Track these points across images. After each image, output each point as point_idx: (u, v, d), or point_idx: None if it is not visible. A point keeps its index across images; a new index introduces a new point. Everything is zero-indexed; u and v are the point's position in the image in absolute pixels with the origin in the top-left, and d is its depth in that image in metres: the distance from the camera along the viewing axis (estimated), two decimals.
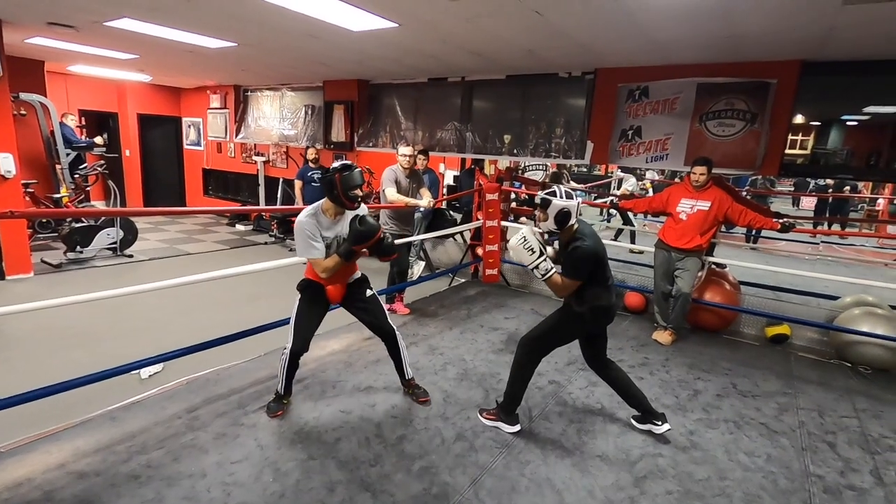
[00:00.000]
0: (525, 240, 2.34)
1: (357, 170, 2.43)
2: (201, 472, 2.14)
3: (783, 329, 4.09)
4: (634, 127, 4.82)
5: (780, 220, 3.70)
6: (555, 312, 2.60)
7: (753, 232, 7.83)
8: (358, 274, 2.76)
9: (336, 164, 2.45)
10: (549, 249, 2.53)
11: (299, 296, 2.61)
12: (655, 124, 4.69)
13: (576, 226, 2.40)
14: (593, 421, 2.77)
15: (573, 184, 8.61)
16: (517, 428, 2.59)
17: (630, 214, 7.36)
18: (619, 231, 8.35)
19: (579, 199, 2.40)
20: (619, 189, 10.19)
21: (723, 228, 5.09)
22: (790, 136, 4.28)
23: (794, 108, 4.17)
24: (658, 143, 4.71)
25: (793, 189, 13.83)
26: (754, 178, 9.82)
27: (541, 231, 2.47)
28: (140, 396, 2.76)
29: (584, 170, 14.23)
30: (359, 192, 2.45)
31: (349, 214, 2.54)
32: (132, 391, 2.82)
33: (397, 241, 4.20)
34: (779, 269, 4.26)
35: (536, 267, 2.35)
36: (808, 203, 13.05)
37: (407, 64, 5.44)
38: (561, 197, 2.35)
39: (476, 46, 4.37)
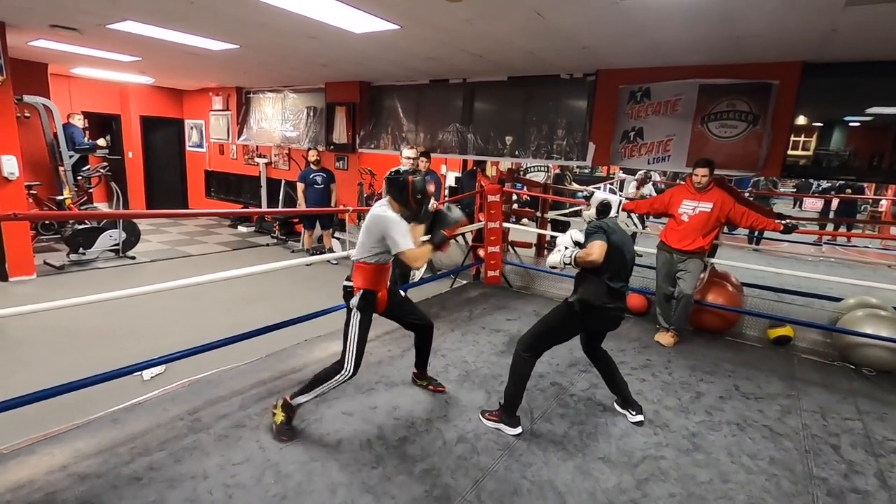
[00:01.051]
0: (557, 249, 2.63)
1: (423, 175, 2.51)
2: (203, 473, 2.14)
3: (786, 331, 4.07)
4: (636, 128, 4.82)
5: (783, 222, 3.69)
6: (552, 310, 2.68)
7: (756, 233, 7.81)
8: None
9: (403, 168, 2.52)
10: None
11: (358, 315, 2.46)
12: (657, 125, 4.69)
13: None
14: (595, 423, 2.76)
15: (575, 185, 8.60)
16: (519, 430, 2.59)
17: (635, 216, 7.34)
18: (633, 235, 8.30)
19: (621, 198, 2.74)
20: (621, 191, 10.18)
21: (725, 230, 5.07)
22: (792, 138, 4.28)
23: (797, 109, 4.16)
24: (660, 145, 4.71)
25: (794, 191, 13.78)
26: (756, 179, 9.79)
27: (584, 220, 2.75)
28: (142, 398, 2.77)
29: (587, 171, 14.21)
30: (422, 198, 2.49)
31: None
32: (134, 393, 2.82)
33: None
34: (781, 270, 4.25)
35: (565, 257, 2.54)
36: (811, 204, 13.01)
37: (408, 65, 5.44)
38: (603, 192, 2.72)
39: (477, 48, 4.37)
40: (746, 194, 7.42)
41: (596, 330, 2.75)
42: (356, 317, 2.46)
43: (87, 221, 5.97)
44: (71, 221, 5.96)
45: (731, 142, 4.36)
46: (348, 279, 2.51)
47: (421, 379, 3.04)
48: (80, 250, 5.85)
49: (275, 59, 5.55)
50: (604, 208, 2.63)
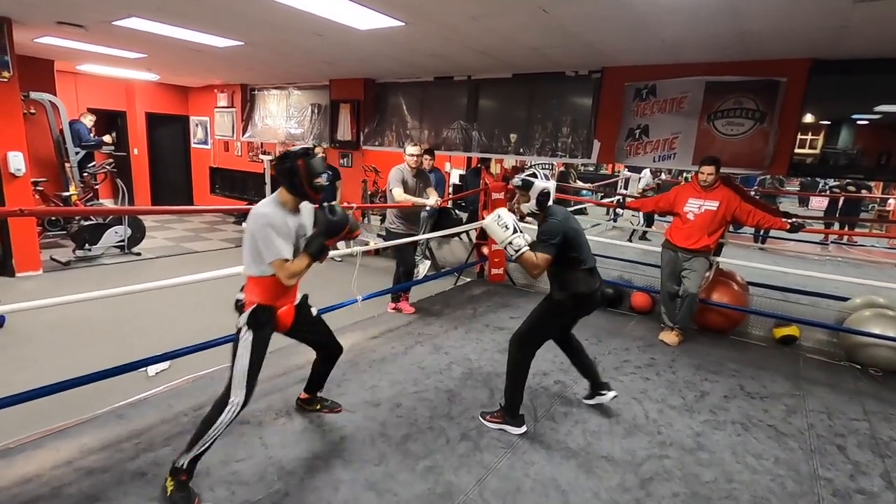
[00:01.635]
0: (500, 217, 2.41)
1: (319, 155, 2.10)
2: (206, 470, 2.14)
3: (792, 330, 4.05)
4: (642, 126, 4.79)
5: (790, 220, 3.66)
6: (539, 304, 2.64)
7: (762, 232, 7.77)
8: (300, 294, 2.34)
9: (294, 148, 2.08)
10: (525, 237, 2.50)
11: (249, 333, 2.03)
12: (663, 123, 4.66)
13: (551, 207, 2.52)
14: (599, 422, 2.75)
15: (580, 183, 8.58)
16: (524, 429, 2.58)
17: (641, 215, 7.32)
18: (644, 233, 8.28)
19: (554, 183, 2.53)
20: (626, 189, 10.15)
21: (730, 228, 5.05)
22: (799, 136, 4.24)
23: (804, 106, 4.12)
24: (665, 143, 4.68)
25: (798, 189, 13.68)
26: (762, 177, 9.73)
27: (522, 213, 2.56)
28: (147, 394, 2.78)
29: (591, 169, 14.17)
30: (322, 181, 2.05)
31: (305, 207, 2.17)
32: (139, 388, 2.84)
33: (404, 240, 4.22)
34: (787, 269, 4.22)
35: (510, 243, 2.37)
36: (818, 203, 12.89)
37: (413, 63, 5.43)
38: (542, 178, 2.48)
39: (482, 45, 4.35)
40: (752, 193, 7.39)
41: (582, 316, 2.70)
42: (246, 337, 2.03)
43: (92, 218, 6.00)
44: (77, 218, 5.99)
45: (737, 140, 4.33)
46: (242, 290, 2.13)
47: (310, 404, 2.65)
48: (86, 246, 5.88)
49: (279, 56, 5.55)
50: (544, 198, 2.47)
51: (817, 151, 4.38)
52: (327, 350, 2.50)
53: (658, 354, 3.74)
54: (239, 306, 2.09)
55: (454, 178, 8.93)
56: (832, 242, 8.36)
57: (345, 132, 7.05)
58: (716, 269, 4.25)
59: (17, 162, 4.84)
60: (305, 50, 5.07)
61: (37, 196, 6.09)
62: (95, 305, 2.89)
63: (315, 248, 2.05)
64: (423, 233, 5.01)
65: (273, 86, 8.09)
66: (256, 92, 8.41)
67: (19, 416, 2.26)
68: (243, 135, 8.67)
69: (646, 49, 4.12)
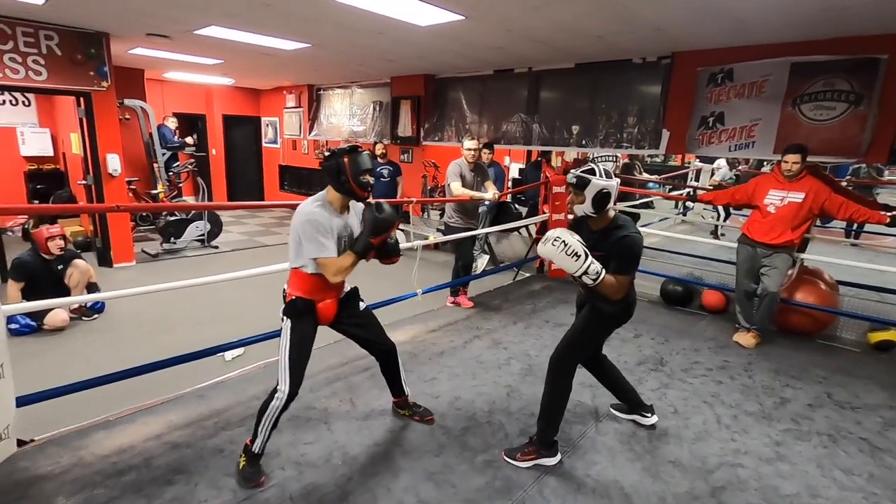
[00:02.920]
0: (565, 244, 1.98)
1: (365, 152, 2.07)
2: (276, 450, 2.27)
3: (890, 335, 3.65)
4: (716, 113, 4.49)
5: (889, 213, 3.29)
6: (581, 318, 2.36)
7: (854, 227, 7.06)
8: (348, 287, 2.35)
9: (341, 146, 2.08)
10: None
11: (289, 323, 2.15)
12: (740, 109, 4.34)
13: (612, 212, 2.12)
14: (666, 424, 2.63)
15: (646, 175, 8.20)
16: (559, 457, 2.29)
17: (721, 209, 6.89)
18: (715, 228, 7.82)
19: (617, 181, 2.09)
20: (697, 180, 9.58)
21: (818, 222, 4.63)
22: None
23: None
24: (743, 130, 4.36)
25: None
26: (857, 166, 8.81)
27: (575, 215, 2.15)
28: (224, 377, 2.99)
29: (659, 160, 13.48)
30: (370, 178, 2.04)
31: (354, 208, 2.18)
32: (217, 372, 3.05)
33: (462, 235, 4.23)
34: (886, 267, 3.80)
35: (586, 272, 1.98)
36: None
37: (473, 57, 5.41)
38: (600, 175, 2.03)
39: (544, 35, 4.26)
40: (843, 183, 6.72)
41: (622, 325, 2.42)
42: (286, 325, 2.15)
43: (177, 213, 6.51)
44: (164, 213, 6.53)
45: (827, 125, 3.95)
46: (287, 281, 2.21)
47: (402, 408, 2.61)
48: (172, 240, 6.41)
49: (343, 56, 5.73)
50: (602, 199, 2.03)
51: None
52: (377, 348, 2.43)
53: (732, 357, 3.51)
54: (284, 296, 2.22)
55: (513, 171, 8.84)
56: None
57: (405, 128, 7.17)
58: (800, 267, 3.92)
59: (114, 163, 5.35)
60: (368, 49, 5.20)
61: (130, 194, 6.70)
62: (179, 294, 3.15)
63: (361, 246, 2.08)
64: (482, 227, 5.00)
65: (337, 85, 8.37)
66: (322, 92, 8.74)
67: (117, 392, 2.50)
68: (310, 133, 9.05)
69: (721, 31, 3.85)
